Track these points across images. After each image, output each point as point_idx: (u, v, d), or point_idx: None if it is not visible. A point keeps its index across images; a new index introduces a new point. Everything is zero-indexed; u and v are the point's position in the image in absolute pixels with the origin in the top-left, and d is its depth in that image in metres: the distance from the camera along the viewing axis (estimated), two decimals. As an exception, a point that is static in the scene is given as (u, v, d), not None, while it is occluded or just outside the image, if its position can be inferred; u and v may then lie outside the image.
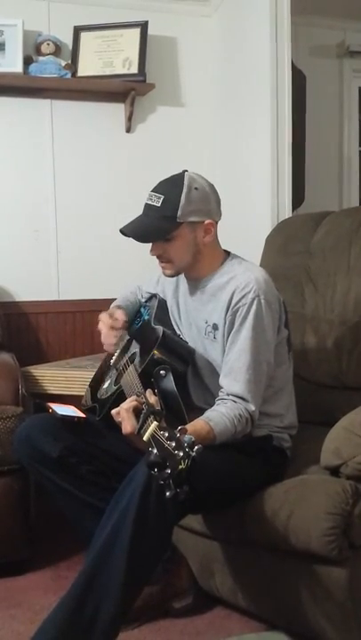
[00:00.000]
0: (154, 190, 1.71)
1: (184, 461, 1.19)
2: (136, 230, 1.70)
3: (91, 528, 1.53)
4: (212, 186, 1.74)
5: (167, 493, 1.19)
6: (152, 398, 1.45)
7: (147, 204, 1.71)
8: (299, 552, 1.56)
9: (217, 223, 1.75)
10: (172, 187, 1.69)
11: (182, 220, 1.67)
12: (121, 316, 1.88)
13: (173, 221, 1.67)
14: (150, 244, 1.73)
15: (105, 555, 1.42)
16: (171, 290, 1.92)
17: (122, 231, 1.72)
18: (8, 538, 2.04)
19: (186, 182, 1.68)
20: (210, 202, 1.71)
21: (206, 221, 1.71)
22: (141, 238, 1.71)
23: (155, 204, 1.68)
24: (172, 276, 1.81)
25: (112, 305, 2.03)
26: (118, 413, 1.50)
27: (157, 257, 1.75)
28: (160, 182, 1.72)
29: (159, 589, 1.79)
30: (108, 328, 1.87)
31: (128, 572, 1.40)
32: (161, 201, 1.67)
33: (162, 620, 1.79)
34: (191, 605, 1.83)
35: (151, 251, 1.74)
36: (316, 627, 1.60)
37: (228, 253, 1.82)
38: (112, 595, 1.40)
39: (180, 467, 1.19)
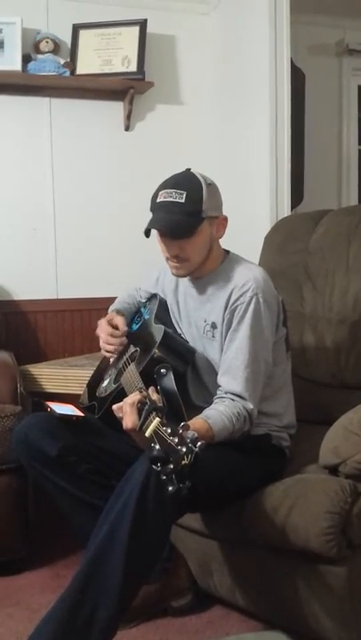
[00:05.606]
0: (173, 187, 1.65)
1: (187, 457, 1.19)
2: (167, 226, 1.65)
3: (89, 527, 1.53)
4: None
5: (170, 488, 1.19)
6: (154, 395, 1.45)
7: (169, 202, 1.64)
8: (297, 551, 1.55)
9: None
10: (189, 182, 1.65)
11: (205, 216, 1.66)
12: (120, 323, 1.87)
13: (198, 217, 1.65)
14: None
15: (103, 553, 1.41)
16: (171, 289, 1.92)
17: (149, 229, 1.66)
18: (6, 536, 2.04)
19: (200, 178, 1.66)
20: (220, 197, 1.72)
21: (221, 216, 1.71)
22: (172, 234, 1.66)
23: (178, 200, 1.63)
24: (184, 276, 1.78)
25: (110, 308, 2.02)
26: (120, 408, 1.48)
27: (174, 257, 1.70)
28: (172, 180, 1.67)
29: (158, 588, 1.79)
30: (107, 335, 1.86)
31: (126, 571, 1.39)
32: (184, 197, 1.63)
33: (160, 618, 1.79)
34: (190, 604, 1.83)
35: (169, 251, 1.69)
36: (314, 626, 1.60)
37: (226, 252, 1.82)
38: (110, 593, 1.39)
39: (184, 462, 1.18)
